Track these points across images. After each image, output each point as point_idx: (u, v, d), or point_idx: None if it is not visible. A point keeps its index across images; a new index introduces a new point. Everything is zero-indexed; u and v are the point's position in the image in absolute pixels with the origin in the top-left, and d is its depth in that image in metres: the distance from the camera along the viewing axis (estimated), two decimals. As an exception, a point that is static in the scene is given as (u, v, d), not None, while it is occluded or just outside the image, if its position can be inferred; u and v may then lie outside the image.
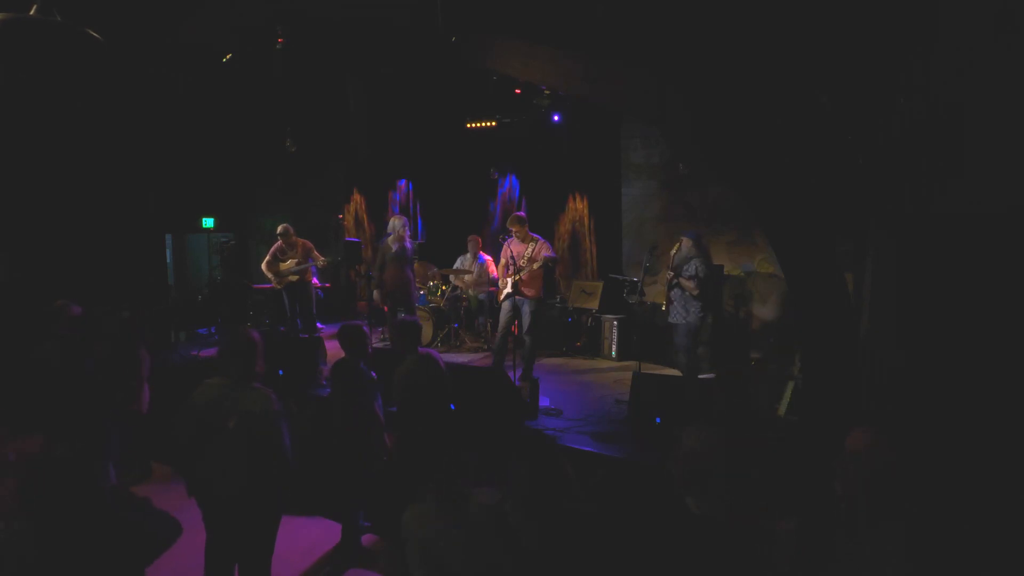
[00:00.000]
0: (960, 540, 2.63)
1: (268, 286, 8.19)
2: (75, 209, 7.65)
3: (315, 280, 8.53)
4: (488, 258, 8.49)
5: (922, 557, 1.85)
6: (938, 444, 3.42)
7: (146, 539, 1.94)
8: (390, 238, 7.20)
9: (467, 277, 8.44)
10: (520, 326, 6.42)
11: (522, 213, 6.76)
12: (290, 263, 7.90)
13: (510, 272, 6.28)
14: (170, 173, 8.89)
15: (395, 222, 7.26)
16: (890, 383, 3.87)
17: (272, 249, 7.99)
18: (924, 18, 3.62)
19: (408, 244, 7.21)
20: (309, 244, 8.06)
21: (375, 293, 7.48)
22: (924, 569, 1.85)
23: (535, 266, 6.22)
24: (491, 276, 8.23)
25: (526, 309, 6.34)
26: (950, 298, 3.56)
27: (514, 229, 6.45)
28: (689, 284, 5.73)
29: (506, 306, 6.43)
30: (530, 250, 6.29)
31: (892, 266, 3.88)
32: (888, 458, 1.99)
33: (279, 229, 8.06)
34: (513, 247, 6.41)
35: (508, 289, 6.34)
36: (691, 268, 5.75)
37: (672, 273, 5.81)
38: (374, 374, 4.33)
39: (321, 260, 7.96)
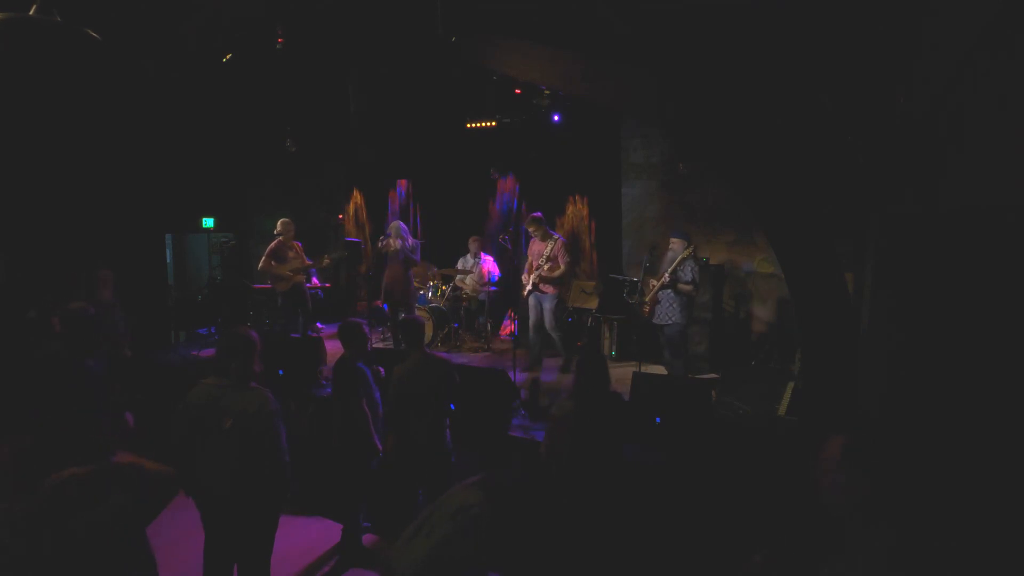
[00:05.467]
0: (952, 543, 2.60)
1: (268, 286, 8.07)
2: (75, 209, 7.64)
3: (315, 279, 8.52)
4: (488, 258, 8.49)
5: (911, 565, 1.80)
6: (938, 444, 3.41)
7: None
8: (390, 238, 7.24)
9: (468, 278, 8.44)
10: (544, 322, 6.66)
11: (538, 214, 6.87)
12: (296, 263, 7.65)
13: (532, 270, 6.62)
14: (170, 173, 8.88)
15: (394, 223, 7.39)
16: (890, 383, 3.87)
17: (270, 248, 7.55)
18: (925, 18, 3.62)
19: (410, 241, 7.24)
20: (300, 244, 7.88)
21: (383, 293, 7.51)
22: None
23: (545, 266, 6.48)
24: (492, 276, 8.24)
25: (547, 306, 6.59)
26: (950, 298, 3.56)
27: (531, 230, 6.73)
28: (688, 288, 5.77)
29: (531, 302, 6.73)
30: (548, 249, 6.56)
31: (892, 266, 3.88)
32: (867, 462, 1.88)
33: (280, 225, 7.60)
34: (534, 246, 6.72)
35: (529, 286, 6.63)
36: (687, 272, 5.78)
37: (668, 276, 5.82)
38: (382, 370, 4.33)
39: (325, 260, 7.88)
